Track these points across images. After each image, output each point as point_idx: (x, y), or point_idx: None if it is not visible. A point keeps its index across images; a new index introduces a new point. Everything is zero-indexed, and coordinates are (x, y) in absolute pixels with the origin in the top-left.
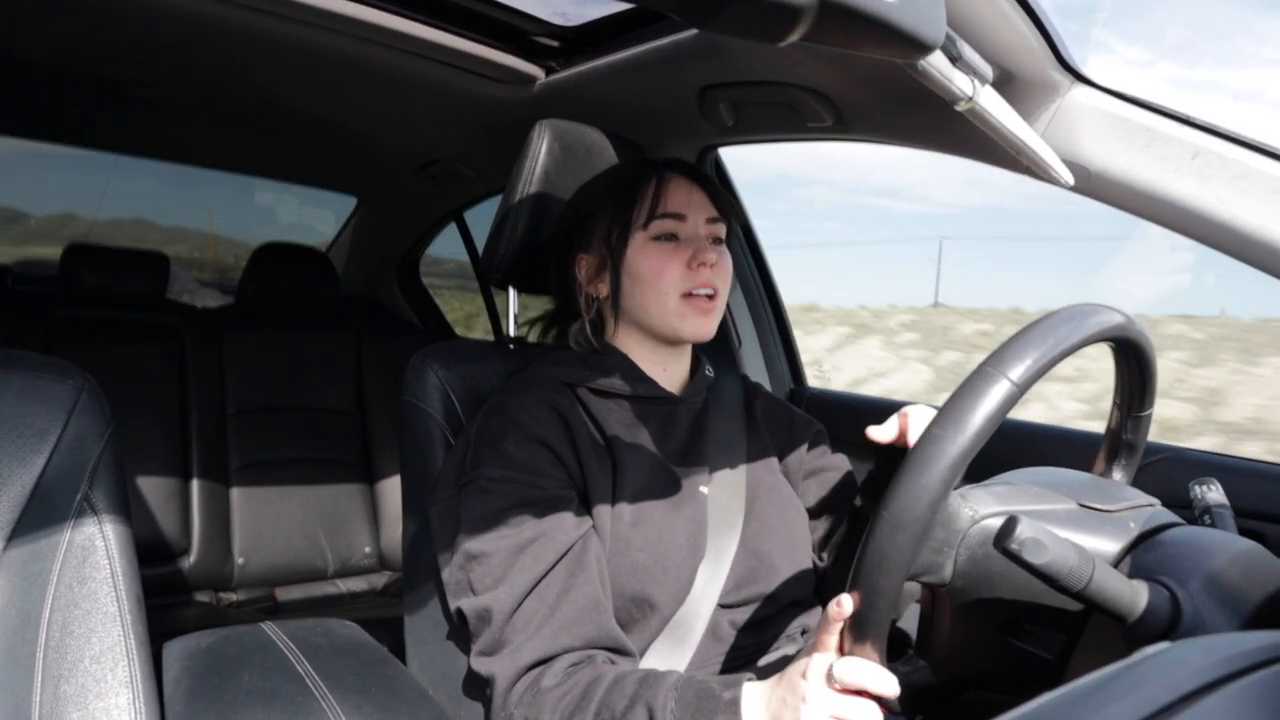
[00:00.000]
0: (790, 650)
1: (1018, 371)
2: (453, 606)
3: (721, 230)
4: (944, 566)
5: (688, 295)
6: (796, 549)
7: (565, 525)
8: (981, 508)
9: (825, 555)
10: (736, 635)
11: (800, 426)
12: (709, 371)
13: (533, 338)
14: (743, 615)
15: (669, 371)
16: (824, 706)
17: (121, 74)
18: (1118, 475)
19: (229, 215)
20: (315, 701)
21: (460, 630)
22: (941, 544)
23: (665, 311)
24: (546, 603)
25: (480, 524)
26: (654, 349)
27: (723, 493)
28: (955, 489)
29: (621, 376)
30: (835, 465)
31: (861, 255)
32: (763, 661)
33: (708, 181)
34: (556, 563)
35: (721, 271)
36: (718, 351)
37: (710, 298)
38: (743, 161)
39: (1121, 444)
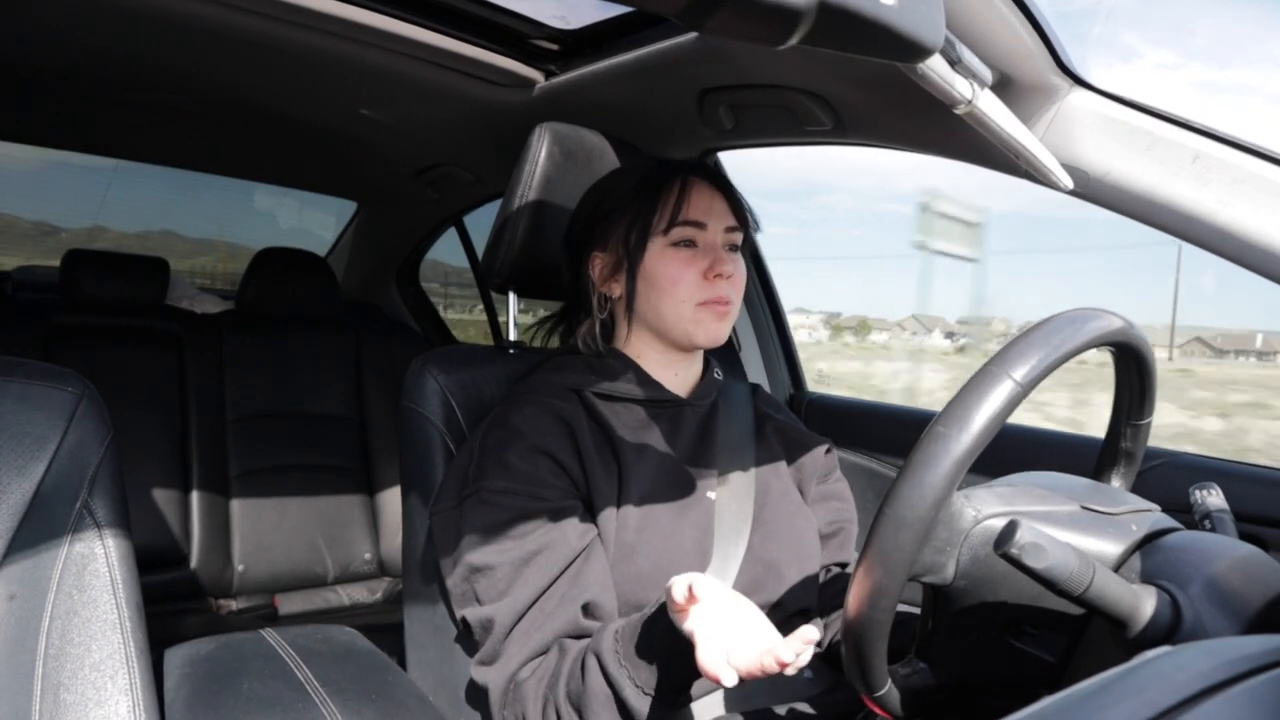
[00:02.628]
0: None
1: (1021, 371)
2: (458, 615)
3: (739, 238)
4: (946, 566)
5: (703, 304)
6: (805, 557)
7: (569, 537)
8: (985, 508)
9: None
10: None
11: (812, 445)
12: (718, 374)
13: (539, 341)
14: None
15: (680, 375)
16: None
17: (123, 79)
18: (1116, 483)
19: (250, 226)
20: (315, 708)
21: (460, 636)
22: (944, 544)
23: (680, 318)
24: (545, 613)
25: (484, 536)
26: (665, 352)
27: (731, 498)
28: (959, 489)
29: (627, 380)
30: (841, 495)
31: None
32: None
33: (729, 188)
34: (559, 575)
35: (737, 282)
36: (724, 358)
37: (726, 304)
38: (763, 172)
39: (1120, 452)
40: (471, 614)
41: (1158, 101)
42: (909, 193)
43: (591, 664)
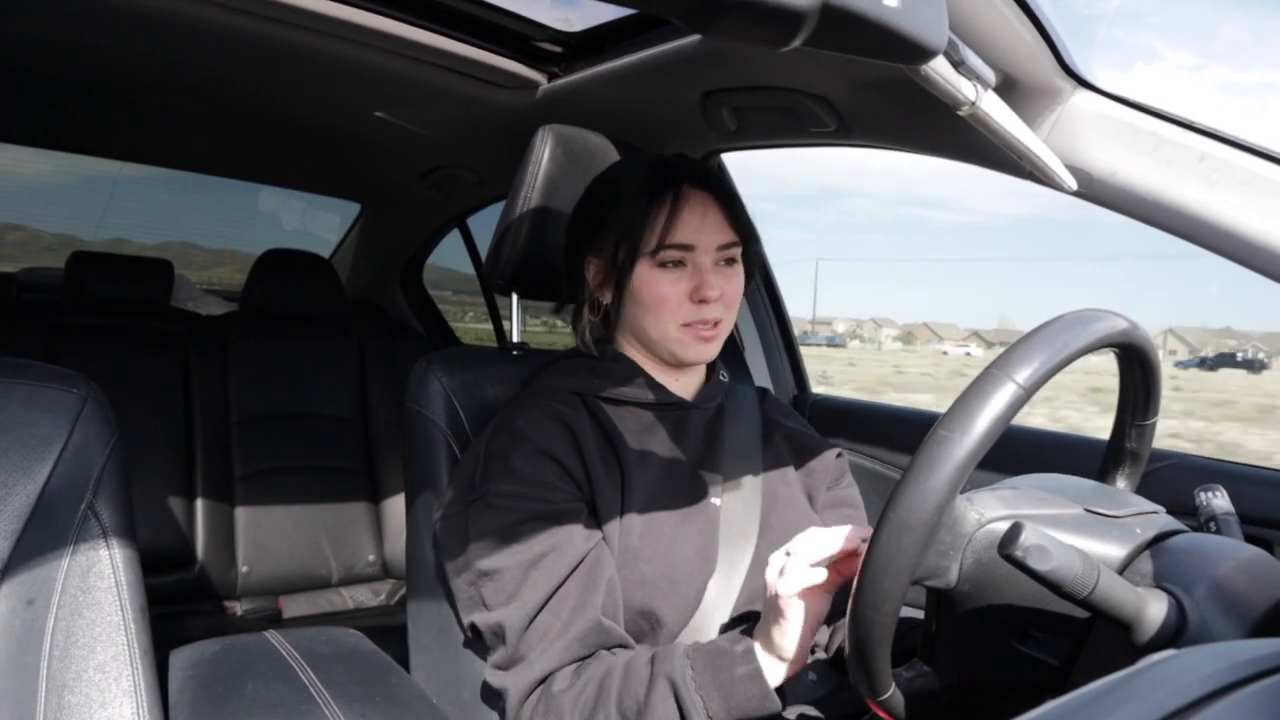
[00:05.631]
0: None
1: (1024, 374)
2: (466, 621)
3: (735, 252)
4: (949, 570)
5: (687, 325)
6: None
7: (575, 539)
8: (988, 511)
9: None
10: None
11: (822, 453)
12: (723, 376)
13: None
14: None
15: (680, 381)
16: (791, 586)
17: (128, 81)
18: (1121, 484)
19: (256, 229)
20: (319, 710)
21: (464, 639)
22: (947, 547)
23: (665, 338)
24: (560, 618)
25: (491, 540)
26: (659, 362)
27: (737, 504)
28: (961, 493)
29: (631, 383)
30: (852, 501)
31: None
32: None
33: (726, 199)
34: (568, 577)
35: (728, 300)
36: (730, 361)
37: (714, 325)
38: (785, 177)
39: (1125, 453)
40: (480, 619)
41: (1179, 103)
42: (928, 197)
43: (662, 687)
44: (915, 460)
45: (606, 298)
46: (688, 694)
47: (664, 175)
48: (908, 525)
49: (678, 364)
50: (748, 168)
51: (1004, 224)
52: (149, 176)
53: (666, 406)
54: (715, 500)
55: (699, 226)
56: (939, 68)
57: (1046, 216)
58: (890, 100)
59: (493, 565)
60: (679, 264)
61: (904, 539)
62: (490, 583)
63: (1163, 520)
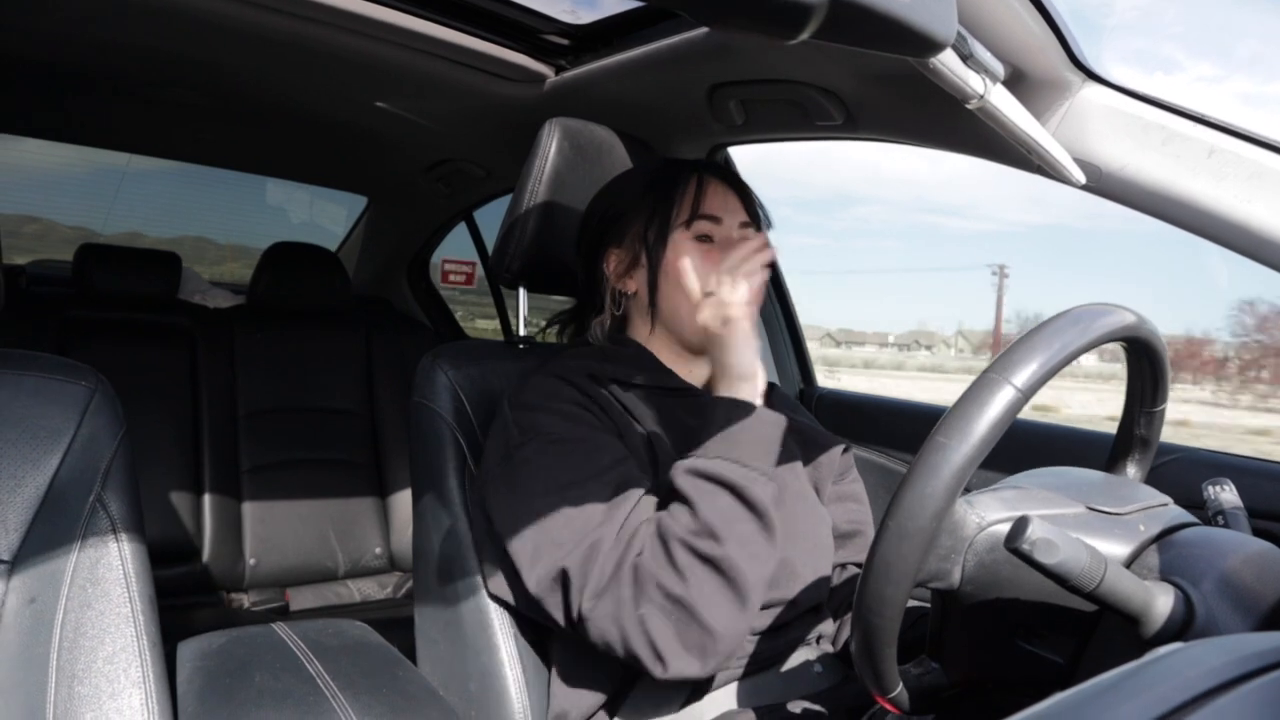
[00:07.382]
0: (811, 655)
1: (1022, 377)
2: (532, 577)
3: (751, 234)
4: (952, 573)
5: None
6: (819, 556)
7: (634, 472)
8: (988, 514)
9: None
10: (757, 640)
11: (829, 447)
12: None
13: (551, 337)
14: (763, 620)
15: (695, 373)
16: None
17: (135, 74)
18: (1132, 472)
19: (264, 222)
20: (326, 702)
21: (470, 631)
22: (949, 551)
23: (695, 314)
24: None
25: (544, 485)
26: (680, 351)
27: None
28: (965, 490)
29: (641, 368)
30: (857, 496)
31: None
32: (783, 668)
33: (741, 185)
34: (635, 505)
35: None
36: None
37: None
38: (800, 182)
39: (1135, 440)
40: (545, 569)
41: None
42: (943, 204)
43: (706, 487)
44: (913, 467)
45: (630, 287)
46: (723, 469)
47: (683, 163)
48: (906, 533)
49: (700, 350)
50: (762, 172)
51: (1022, 232)
52: (163, 170)
53: (677, 391)
54: None
55: (723, 203)
56: (947, 61)
57: (1065, 225)
58: (898, 93)
59: (557, 504)
60: (707, 239)
61: (903, 546)
62: (557, 520)
63: (1171, 512)
